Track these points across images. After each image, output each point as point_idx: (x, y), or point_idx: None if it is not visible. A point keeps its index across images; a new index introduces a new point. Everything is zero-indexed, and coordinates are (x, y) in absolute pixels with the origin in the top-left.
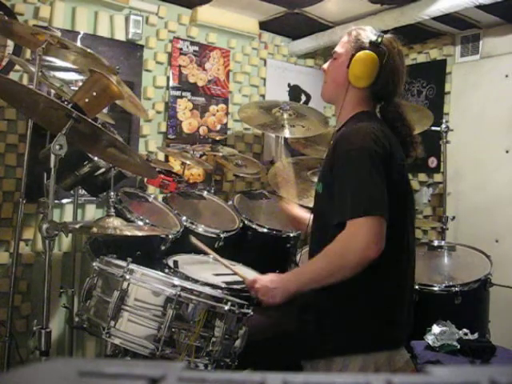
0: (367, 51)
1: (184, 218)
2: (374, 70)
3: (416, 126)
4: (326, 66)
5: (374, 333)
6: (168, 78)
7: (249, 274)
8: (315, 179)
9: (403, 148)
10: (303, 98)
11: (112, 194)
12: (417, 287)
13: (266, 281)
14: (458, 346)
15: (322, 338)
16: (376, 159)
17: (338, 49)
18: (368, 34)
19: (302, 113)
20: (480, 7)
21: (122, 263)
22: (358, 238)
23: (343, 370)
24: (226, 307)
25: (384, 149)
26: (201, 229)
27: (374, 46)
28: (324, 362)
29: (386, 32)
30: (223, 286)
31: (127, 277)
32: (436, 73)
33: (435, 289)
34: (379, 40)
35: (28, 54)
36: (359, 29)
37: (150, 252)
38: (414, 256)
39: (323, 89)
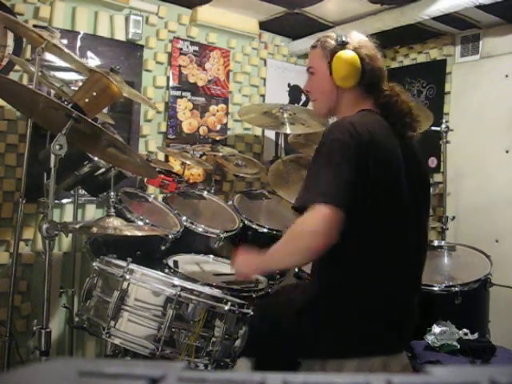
0: (342, 51)
1: (184, 217)
2: (357, 65)
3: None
4: (306, 86)
5: (370, 337)
6: (168, 78)
7: None
8: None
9: (401, 139)
10: (303, 98)
11: (112, 194)
12: None
13: (244, 253)
14: (458, 346)
15: (318, 339)
16: (347, 151)
17: (312, 63)
18: (333, 37)
19: (301, 116)
20: (480, 7)
21: (122, 263)
22: (309, 224)
23: (338, 372)
24: (226, 307)
25: (359, 142)
26: (201, 229)
27: (343, 45)
28: (320, 363)
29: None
30: (223, 285)
31: (127, 277)
32: (436, 73)
33: (435, 289)
34: (344, 38)
35: (28, 53)
36: (322, 37)
37: (150, 252)
38: (417, 258)
39: (315, 107)
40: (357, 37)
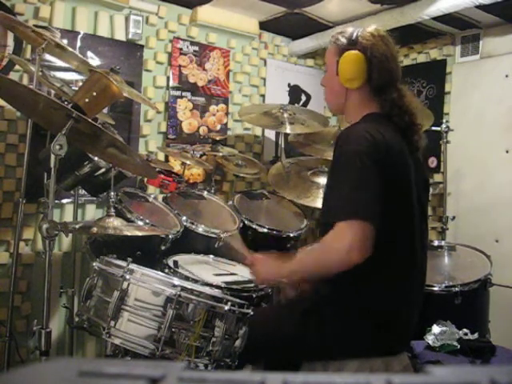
0: (349, 51)
1: (184, 217)
2: (362, 66)
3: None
4: (321, 81)
5: (371, 339)
6: (168, 78)
7: (249, 274)
8: (315, 179)
9: (407, 141)
10: (303, 98)
11: (112, 194)
12: None
13: (264, 259)
14: (458, 346)
15: (320, 341)
16: (368, 161)
17: (326, 60)
18: (346, 34)
19: (301, 116)
20: (480, 7)
21: (122, 263)
22: (342, 241)
23: (339, 372)
24: (226, 307)
25: (378, 150)
26: (201, 229)
27: (353, 44)
28: (321, 364)
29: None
30: (223, 285)
31: (127, 277)
32: (436, 73)
33: (435, 289)
34: (355, 36)
35: (28, 53)
36: (337, 33)
37: (150, 252)
38: (422, 261)
39: (327, 102)
40: (369, 35)
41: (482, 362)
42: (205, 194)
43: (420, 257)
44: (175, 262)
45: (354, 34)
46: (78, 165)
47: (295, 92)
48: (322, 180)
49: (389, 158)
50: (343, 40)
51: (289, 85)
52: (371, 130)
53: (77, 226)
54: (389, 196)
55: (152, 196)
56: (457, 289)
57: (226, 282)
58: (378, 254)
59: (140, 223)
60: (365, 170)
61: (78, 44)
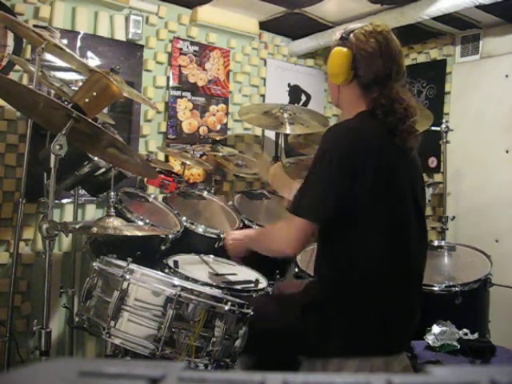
0: (335, 48)
1: (184, 218)
2: (345, 62)
3: (416, 126)
4: None
5: (371, 338)
6: (168, 78)
7: (249, 274)
8: None
9: (396, 141)
10: (303, 97)
11: (112, 194)
12: None
13: (238, 236)
14: (458, 346)
15: (320, 338)
16: (334, 161)
17: None
18: (343, 31)
19: (301, 116)
20: (480, 7)
21: (122, 263)
22: (284, 234)
23: (339, 371)
24: (226, 307)
25: (352, 151)
26: (201, 229)
27: (343, 40)
28: (321, 362)
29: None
30: (223, 286)
31: (127, 277)
32: (436, 73)
33: (435, 289)
34: (348, 32)
35: (28, 53)
36: (341, 29)
37: (150, 252)
38: (420, 260)
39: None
40: (363, 31)
41: (482, 362)
42: (205, 194)
43: (418, 256)
44: (175, 262)
45: (349, 31)
46: (77, 165)
47: (295, 92)
48: None
49: (367, 158)
50: (338, 36)
51: (289, 85)
52: (352, 130)
53: (77, 226)
54: (376, 199)
55: (152, 196)
56: (457, 289)
57: (226, 282)
58: (371, 256)
59: (140, 223)
60: (329, 169)
61: (78, 44)
